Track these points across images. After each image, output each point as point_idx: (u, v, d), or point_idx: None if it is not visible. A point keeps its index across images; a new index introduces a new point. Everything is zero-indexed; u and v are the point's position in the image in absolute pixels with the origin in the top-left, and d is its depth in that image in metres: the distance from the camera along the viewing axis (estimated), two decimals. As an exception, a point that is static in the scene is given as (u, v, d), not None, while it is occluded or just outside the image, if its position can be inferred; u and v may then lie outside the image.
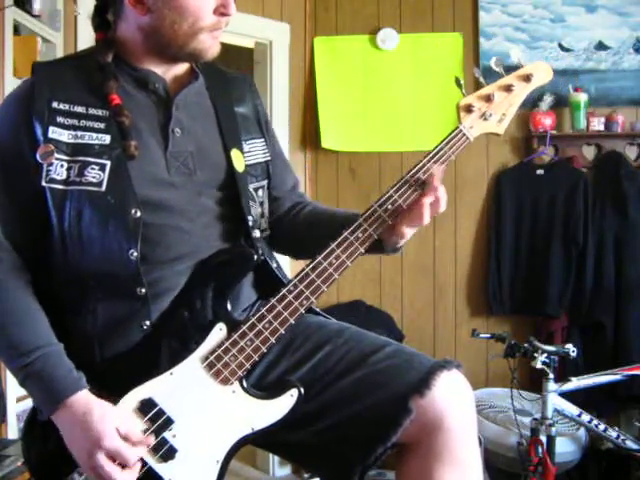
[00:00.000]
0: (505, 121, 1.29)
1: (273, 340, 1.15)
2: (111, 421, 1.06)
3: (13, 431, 2.17)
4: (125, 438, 1.06)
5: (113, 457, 1.05)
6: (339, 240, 1.17)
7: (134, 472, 1.07)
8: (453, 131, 1.25)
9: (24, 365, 1.08)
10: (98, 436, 1.04)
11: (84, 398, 1.07)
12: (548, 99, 3.16)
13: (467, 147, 3.64)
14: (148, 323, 1.14)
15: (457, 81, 1.27)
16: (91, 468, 1.05)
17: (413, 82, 3.33)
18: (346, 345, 1.23)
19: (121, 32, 1.21)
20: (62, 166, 1.12)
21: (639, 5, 3.17)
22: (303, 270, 1.17)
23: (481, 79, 1.28)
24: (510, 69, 1.31)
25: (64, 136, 1.13)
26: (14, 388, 2.17)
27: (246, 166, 1.27)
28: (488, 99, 1.26)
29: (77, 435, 1.06)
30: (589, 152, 3.24)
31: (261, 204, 1.30)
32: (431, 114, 3.27)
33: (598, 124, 3.12)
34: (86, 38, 2.50)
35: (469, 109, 1.25)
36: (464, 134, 1.25)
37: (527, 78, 1.29)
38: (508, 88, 1.28)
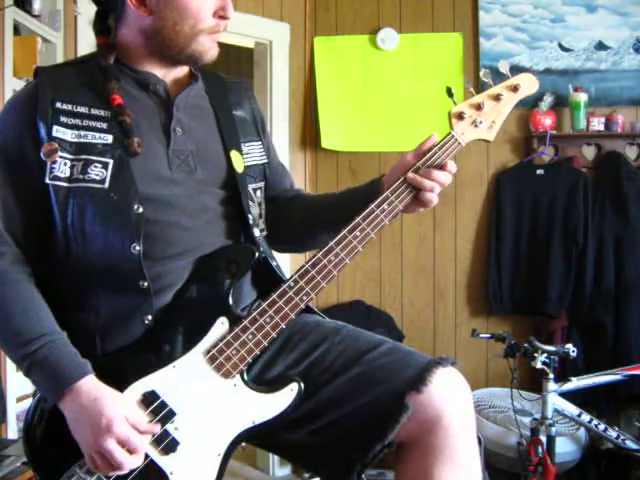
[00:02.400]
0: (495, 128, 1.35)
1: (274, 334, 1.17)
2: (122, 407, 1.07)
3: (13, 431, 2.17)
4: (133, 426, 1.07)
5: (122, 443, 1.06)
6: (338, 238, 1.21)
7: (140, 459, 1.09)
8: (445, 137, 1.30)
9: (29, 353, 1.08)
10: (110, 421, 1.05)
11: (92, 383, 1.08)
12: (548, 99, 3.17)
13: (467, 147, 3.63)
14: (150, 317, 1.15)
15: (448, 91, 1.33)
16: (98, 452, 1.05)
17: (413, 82, 3.34)
18: (342, 343, 1.24)
19: (122, 36, 1.25)
20: (65, 164, 1.14)
21: (639, 5, 3.17)
22: (303, 267, 1.20)
23: (471, 89, 1.35)
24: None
25: (68, 135, 1.15)
26: (14, 388, 2.17)
27: (245, 167, 1.30)
28: (478, 107, 1.33)
29: (86, 419, 1.06)
30: (589, 152, 3.24)
31: (259, 205, 1.33)
32: (431, 114, 3.27)
33: (598, 124, 3.12)
34: (86, 38, 2.51)
35: (460, 116, 1.32)
36: (456, 139, 1.30)
37: (515, 88, 1.36)
38: (497, 97, 1.34)
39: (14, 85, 2.19)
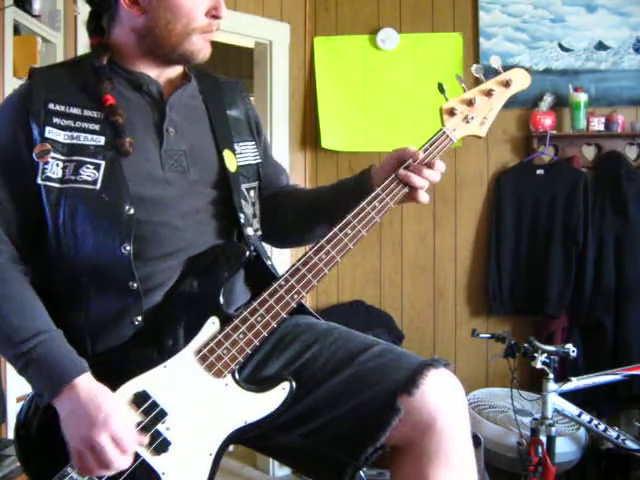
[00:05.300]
0: (486, 124, 1.35)
1: (265, 333, 1.17)
2: (120, 405, 1.08)
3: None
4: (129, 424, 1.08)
5: (115, 440, 1.05)
6: (329, 236, 1.21)
7: (128, 461, 1.08)
8: (437, 133, 1.30)
9: (26, 351, 1.08)
10: (107, 416, 1.05)
11: (89, 380, 1.08)
12: (548, 99, 3.16)
13: (467, 147, 3.61)
14: (140, 319, 1.15)
15: (440, 87, 1.33)
16: (90, 447, 1.04)
17: (413, 82, 3.34)
18: (334, 345, 1.24)
19: (115, 36, 1.25)
20: (58, 165, 1.15)
21: (639, 5, 3.16)
22: (294, 265, 1.19)
23: (463, 85, 1.34)
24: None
25: (60, 136, 1.16)
26: (14, 388, 2.17)
27: (238, 167, 1.30)
28: (470, 103, 1.33)
29: (82, 413, 1.06)
30: (589, 152, 3.24)
31: (253, 204, 1.33)
32: (431, 114, 3.27)
33: (598, 124, 3.11)
34: (86, 38, 2.50)
35: (452, 112, 1.32)
36: (447, 136, 1.30)
37: (507, 84, 1.35)
38: (489, 93, 1.34)
39: (14, 85, 2.19)
